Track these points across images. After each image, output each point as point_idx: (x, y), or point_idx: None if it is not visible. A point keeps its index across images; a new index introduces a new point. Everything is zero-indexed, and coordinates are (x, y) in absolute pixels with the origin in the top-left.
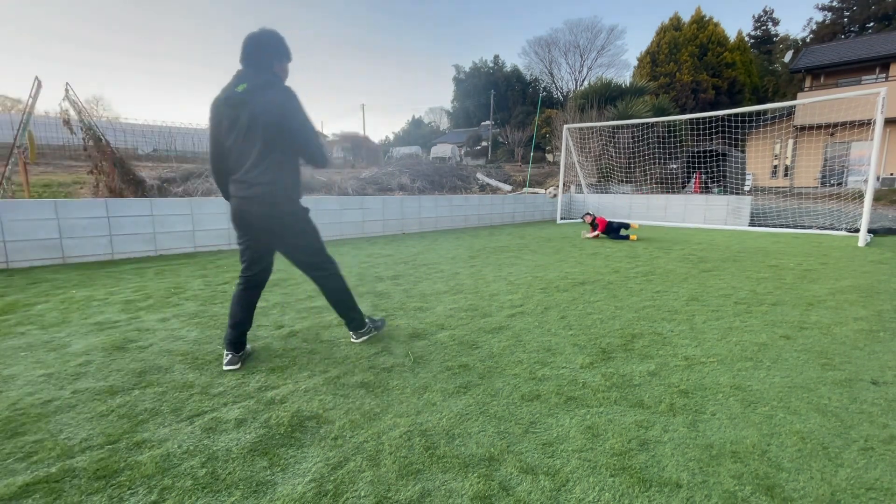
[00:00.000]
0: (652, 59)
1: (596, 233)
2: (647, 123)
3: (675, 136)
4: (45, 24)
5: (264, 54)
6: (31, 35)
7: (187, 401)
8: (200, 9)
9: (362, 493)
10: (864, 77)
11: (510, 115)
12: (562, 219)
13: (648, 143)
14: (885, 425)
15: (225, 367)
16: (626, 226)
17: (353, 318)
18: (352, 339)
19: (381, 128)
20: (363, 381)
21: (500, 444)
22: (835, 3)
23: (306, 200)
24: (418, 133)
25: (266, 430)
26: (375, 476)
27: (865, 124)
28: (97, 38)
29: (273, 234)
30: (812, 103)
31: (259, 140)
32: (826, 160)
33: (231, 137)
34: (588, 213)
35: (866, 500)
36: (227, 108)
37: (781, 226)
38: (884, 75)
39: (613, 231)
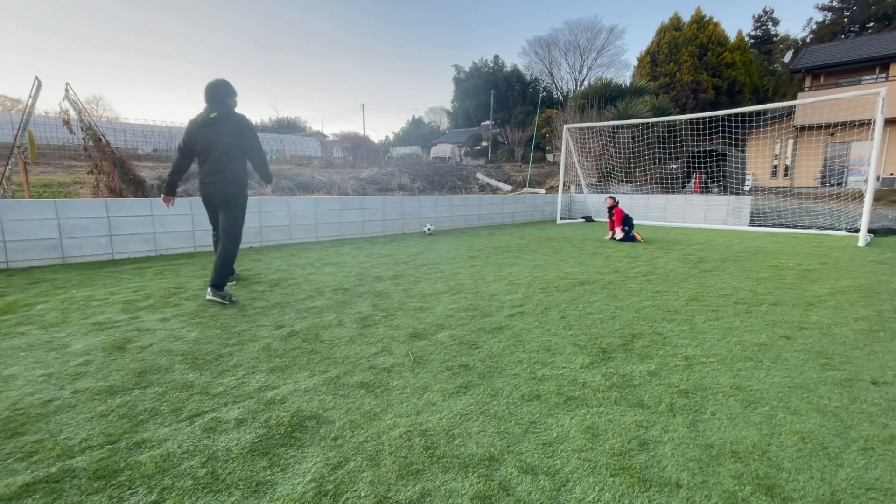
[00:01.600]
0: (652, 59)
1: (614, 230)
2: (647, 123)
3: (675, 136)
4: (44, 25)
5: (220, 94)
6: (31, 36)
7: (187, 401)
8: (201, 10)
9: (362, 493)
10: (864, 77)
11: (510, 115)
12: (562, 219)
13: (648, 143)
14: (885, 425)
15: (215, 298)
16: (632, 223)
17: (222, 278)
18: (207, 295)
19: (381, 128)
20: (363, 381)
21: (500, 444)
22: (835, 3)
23: (308, 200)
24: (418, 133)
25: (266, 430)
26: (375, 476)
27: (865, 124)
28: (97, 38)
29: (220, 204)
30: (812, 103)
31: (220, 148)
32: (826, 160)
33: (202, 146)
34: (611, 197)
35: (866, 500)
36: (202, 128)
37: (781, 226)
38: (884, 75)
39: (628, 224)
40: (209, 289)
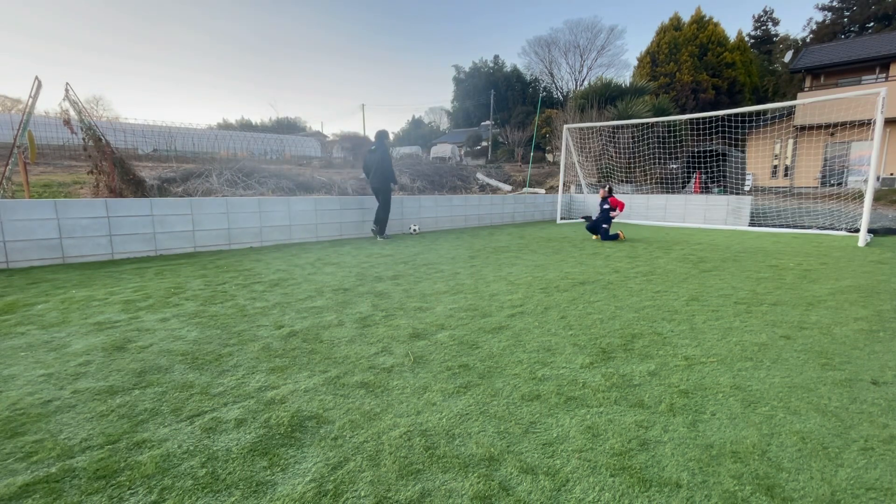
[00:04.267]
0: (652, 59)
1: (616, 212)
2: (647, 123)
3: (675, 136)
4: (44, 24)
5: (381, 138)
6: (31, 35)
7: (187, 401)
8: (200, 12)
9: (362, 493)
10: (864, 77)
11: (510, 115)
12: (562, 219)
13: (648, 143)
14: (885, 425)
15: (381, 238)
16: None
17: (383, 230)
18: (377, 238)
19: (381, 128)
20: (363, 381)
21: (500, 444)
22: (835, 3)
23: (308, 200)
24: (418, 133)
25: (266, 430)
26: (375, 476)
27: (865, 124)
28: (98, 38)
29: (379, 193)
30: (812, 103)
31: (377, 163)
32: (826, 160)
33: (371, 162)
34: (605, 187)
35: (866, 500)
36: (370, 154)
37: (781, 226)
38: (884, 75)
39: (605, 221)
40: (377, 236)
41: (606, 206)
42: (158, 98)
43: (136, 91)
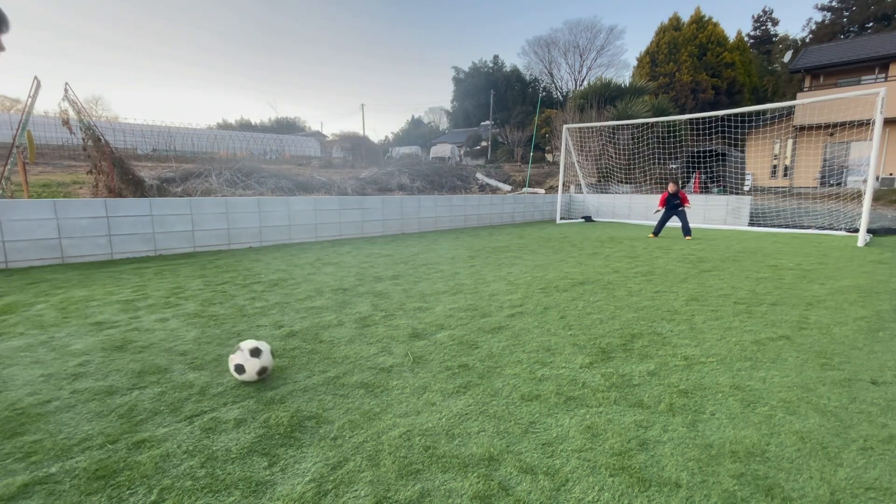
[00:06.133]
0: (651, 59)
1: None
2: (646, 123)
3: (674, 136)
4: (44, 24)
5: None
6: (30, 35)
7: (187, 401)
8: (201, 11)
9: (362, 493)
10: (863, 77)
11: (510, 115)
12: (561, 219)
13: (648, 143)
14: (885, 425)
15: None
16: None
17: None
18: None
19: (381, 128)
20: (363, 381)
21: (500, 444)
22: (834, 4)
23: (307, 200)
24: (418, 133)
25: (265, 430)
26: (375, 476)
27: (865, 124)
28: (97, 38)
29: None
30: (811, 103)
31: None
32: (825, 160)
33: None
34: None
35: (865, 500)
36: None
37: (781, 226)
38: (883, 75)
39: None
40: None
41: (677, 202)
42: (158, 94)
43: (136, 87)
